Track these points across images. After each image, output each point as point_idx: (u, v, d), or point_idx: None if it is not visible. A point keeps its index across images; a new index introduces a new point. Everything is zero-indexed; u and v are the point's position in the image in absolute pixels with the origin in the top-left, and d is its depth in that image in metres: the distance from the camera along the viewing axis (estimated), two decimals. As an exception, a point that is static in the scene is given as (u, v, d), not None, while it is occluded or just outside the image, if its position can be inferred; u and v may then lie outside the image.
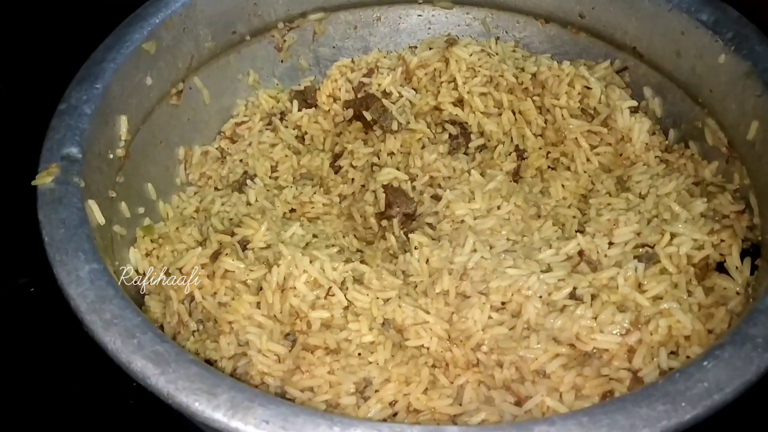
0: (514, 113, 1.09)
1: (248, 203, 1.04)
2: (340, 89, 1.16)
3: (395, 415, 0.79)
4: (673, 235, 0.87)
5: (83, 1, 1.31)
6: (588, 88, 1.06)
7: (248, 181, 1.08)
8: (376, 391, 0.80)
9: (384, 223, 1.02)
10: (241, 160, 1.12)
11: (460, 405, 0.80)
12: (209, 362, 0.84)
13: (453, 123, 1.09)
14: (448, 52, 1.12)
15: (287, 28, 1.18)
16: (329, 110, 1.17)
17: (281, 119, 1.16)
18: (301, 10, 1.17)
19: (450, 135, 1.09)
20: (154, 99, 1.02)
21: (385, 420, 0.78)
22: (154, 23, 1.00)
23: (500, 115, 1.09)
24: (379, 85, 1.13)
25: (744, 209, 0.91)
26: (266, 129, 1.15)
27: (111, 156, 0.93)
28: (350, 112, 1.14)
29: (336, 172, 1.10)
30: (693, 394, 0.64)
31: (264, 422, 0.62)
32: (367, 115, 1.10)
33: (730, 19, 0.96)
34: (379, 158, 1.08)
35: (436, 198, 1.00)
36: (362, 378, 0.81)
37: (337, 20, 1.20)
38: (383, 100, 1.11)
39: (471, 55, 1.11)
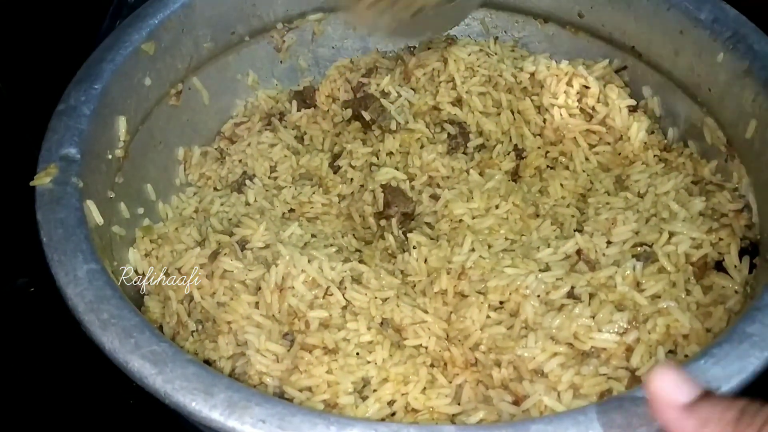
0: (512, 113, 1.09)
1: (247, 203, 1.04)
2: (339, 89, 1.16)
3: (393, 414, 0.79)
4: (671, 234, 0.87)
5: (83, 2, 1.31)
6: (586, 87, 1.06)
7: (247, 182, 1.08)
8: (375, 390, 0.80)
9: (383, 222, 1.02)
10: (240, 161, 1.12)
11: (459, 404, 0.80)
12: (208, 362, 0.84)
13: (452, 123, 1.09)
14: (446, 52, 1.12)
15: (286, 29, 1.18)
16: (328, 110, 1.17)
17: (280, 119, 1.17)
18: (300, 10, 1.17)
19: (449, 135, 1.08)
20: (153, 99, 1.02)
21: (383, 419, 0.78)
22: (153, 24, 1.00)
23: (499, 114, 1.09)
24: (378, 85, 1.13)
25: (743, 208, 0.91)
26: (265, 129, 1.15)
27: (110, 156, 0.93)
28: (349, 112, 1.13)
29: (335, 172, 1.10)
30: (690, 392, 0.64)
31: (261, 422, 0.62)
32: (366, 115, 1.10)
33: (729, 18, 0.95)
34: (378, 158, 1.08)
35: (435, 197, 1.00)
36: (360, 377, 0.81)
37: (336, 21, 1.20)
38: (382, 100, 1.11)
39: (470, 54, 1.11)
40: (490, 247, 0.91)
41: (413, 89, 1.12)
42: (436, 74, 1.12)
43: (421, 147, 1.06)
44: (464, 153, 1.07)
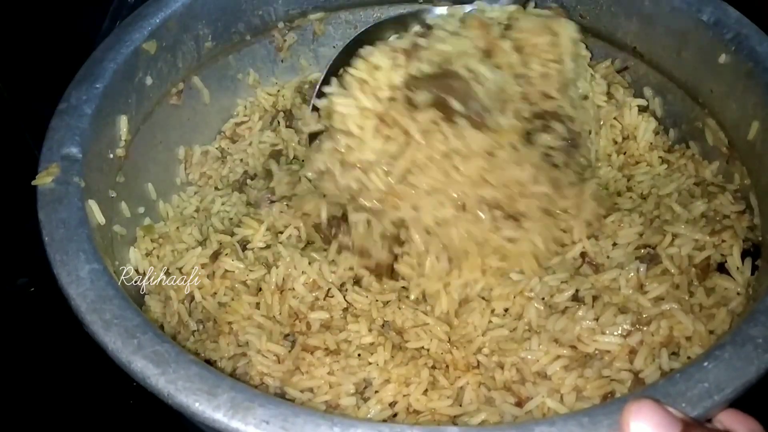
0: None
1: (248, 203, 1.04)
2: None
3: (395, 416, 0.79)
4: (674, 236, 0.86)
5: (83, 2, 1.31)
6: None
7: (248, 181, 1.08)
8: (376, 392, 0.80)
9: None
10: (241, 160, 1.12)
11: (460, 406, 0.80)
12: (209, 362, 0.84)
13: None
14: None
15: (287, 28, 1.17)
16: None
17: (286, 118, 1.15)
18: (301, 9, 1.16)
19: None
20: (154, 99, 1.02)
21: (384, 421, 0.78)
22: (154, 23, 0.99)
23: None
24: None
25: (744, 209, 0.91)
26: (267, 129, 1.15)
27: (111, 156, 0.93)
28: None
29: None
30: (693, 394, 0.63)
31: (264, 422, 0.62)
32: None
33: (731, 19, 0.95)
34: None
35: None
36: (362, 379, 0.81)
37: (338, 20, 1.20)
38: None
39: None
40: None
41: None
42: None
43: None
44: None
